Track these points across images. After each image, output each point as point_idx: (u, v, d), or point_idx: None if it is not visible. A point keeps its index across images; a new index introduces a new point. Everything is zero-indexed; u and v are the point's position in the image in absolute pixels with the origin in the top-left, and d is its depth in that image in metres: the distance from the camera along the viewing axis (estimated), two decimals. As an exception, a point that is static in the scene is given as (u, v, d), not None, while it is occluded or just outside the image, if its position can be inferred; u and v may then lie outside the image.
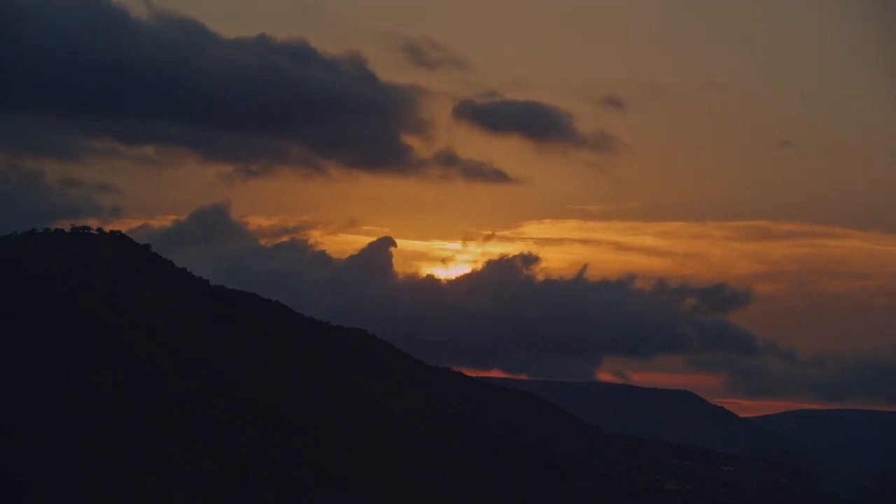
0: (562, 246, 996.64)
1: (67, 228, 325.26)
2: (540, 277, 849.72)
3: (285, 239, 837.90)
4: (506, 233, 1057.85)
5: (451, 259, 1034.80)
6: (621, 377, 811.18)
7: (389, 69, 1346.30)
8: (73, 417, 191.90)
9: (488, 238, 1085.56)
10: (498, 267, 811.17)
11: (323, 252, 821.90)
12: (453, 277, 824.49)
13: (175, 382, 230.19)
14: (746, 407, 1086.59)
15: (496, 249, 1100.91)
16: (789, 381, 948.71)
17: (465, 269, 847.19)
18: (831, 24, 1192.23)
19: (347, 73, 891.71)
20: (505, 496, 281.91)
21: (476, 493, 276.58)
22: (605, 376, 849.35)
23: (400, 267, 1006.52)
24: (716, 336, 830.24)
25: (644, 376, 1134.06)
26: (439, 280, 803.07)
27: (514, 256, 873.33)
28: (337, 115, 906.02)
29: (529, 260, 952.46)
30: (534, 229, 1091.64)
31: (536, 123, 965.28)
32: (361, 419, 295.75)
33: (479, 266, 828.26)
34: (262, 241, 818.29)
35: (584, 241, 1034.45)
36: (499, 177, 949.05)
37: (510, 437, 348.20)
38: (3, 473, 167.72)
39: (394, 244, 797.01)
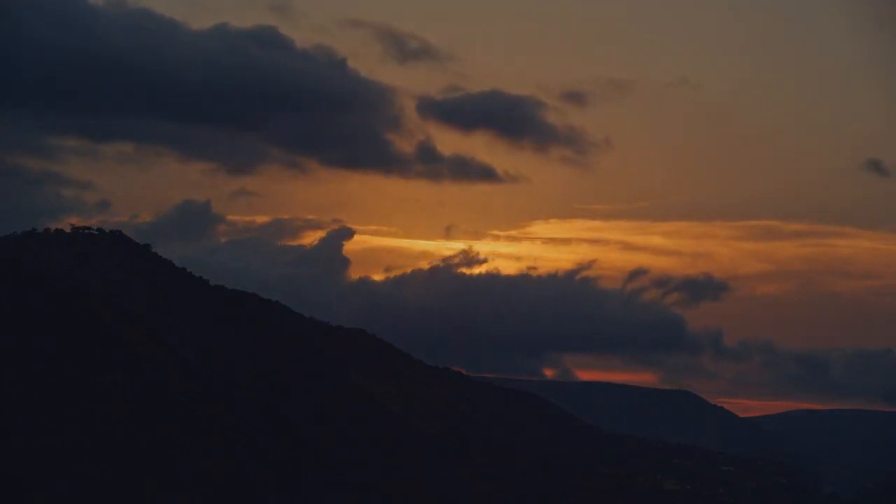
0: (568, 245, 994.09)
1: (67, 228, 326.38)
2: (476, 273, 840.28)
3: (246, 236, 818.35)
4: (513, 232, 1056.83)
5: (431, 257, 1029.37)
6: (567, 376, 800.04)
7: (367, 63, 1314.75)
8: (73, 417, 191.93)
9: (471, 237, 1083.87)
10: (436, 266, 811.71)
11: (275, 245, 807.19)
12: (392, 275, 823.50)
13: (175, 382, 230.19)
14: (747, 407, 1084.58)
15: (491, 248, 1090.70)
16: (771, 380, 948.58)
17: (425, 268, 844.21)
18: (831, 21, 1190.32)
19: (323, 67, 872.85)
20: (505, 496, 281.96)
21: (476, 493, 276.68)
22: (548, 372, 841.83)
23: (360, 264, 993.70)
24: (673, 334, 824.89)
25: (593, 374, 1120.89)
26: (374, 278, 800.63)
27: (455, 254, 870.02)
28: (316, 111, 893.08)
29: (470, 258, 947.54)
30: (540, 229, 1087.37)
31: (521, 120, 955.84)
32: (361, 419, 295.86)
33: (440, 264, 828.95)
34: (223, 239, 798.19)
35: (593, 241, 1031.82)
36: (487, 175, 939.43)
37: (510, 437, 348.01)
38: (3, 473, 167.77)
39: (349, 237, 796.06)
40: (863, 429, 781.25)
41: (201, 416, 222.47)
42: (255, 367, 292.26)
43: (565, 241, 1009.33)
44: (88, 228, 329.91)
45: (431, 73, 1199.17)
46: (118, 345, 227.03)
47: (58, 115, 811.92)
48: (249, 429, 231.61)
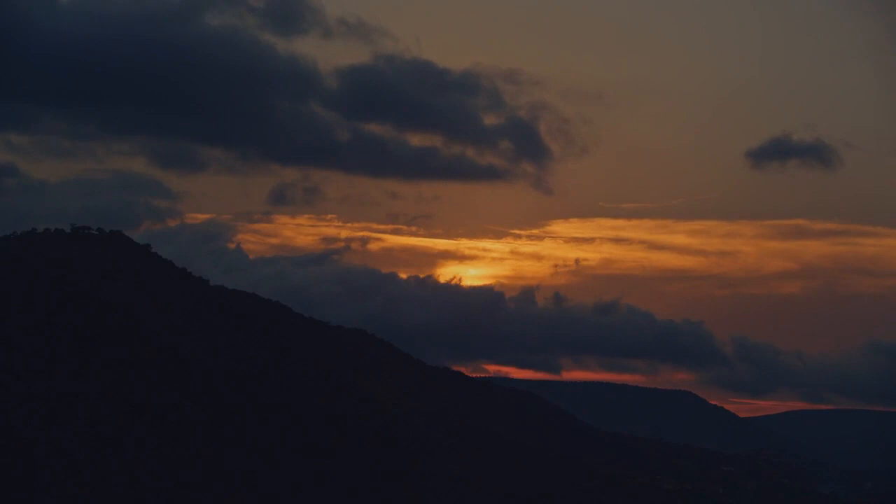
0: (594, 244, 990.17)
1: (67, 228, 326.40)
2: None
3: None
4: (535, 230, 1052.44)
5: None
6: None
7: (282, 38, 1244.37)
8: (73, 417, 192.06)
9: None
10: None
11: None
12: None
13: (175, 382, 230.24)
14: (747, 407, 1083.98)
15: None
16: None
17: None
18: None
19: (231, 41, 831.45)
20: (504, 496, 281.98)
21: (476, 493, 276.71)
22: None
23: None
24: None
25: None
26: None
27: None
28: (258, 98, 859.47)
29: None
30: (560, 228, 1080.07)
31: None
32: (361, 419, 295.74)
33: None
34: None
35: (616, 241, 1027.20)
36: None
37: (510, 436, 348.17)
38: (3, 473, 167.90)
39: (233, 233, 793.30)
40: (863, 429, 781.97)
41: (201, 416, 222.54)
42: (255, 367, 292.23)
43: (589, 240, 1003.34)
44: (88, 228, 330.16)
45: (358, 49, 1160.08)
46: (118, 345, 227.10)
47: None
48: (250, 429, 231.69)
